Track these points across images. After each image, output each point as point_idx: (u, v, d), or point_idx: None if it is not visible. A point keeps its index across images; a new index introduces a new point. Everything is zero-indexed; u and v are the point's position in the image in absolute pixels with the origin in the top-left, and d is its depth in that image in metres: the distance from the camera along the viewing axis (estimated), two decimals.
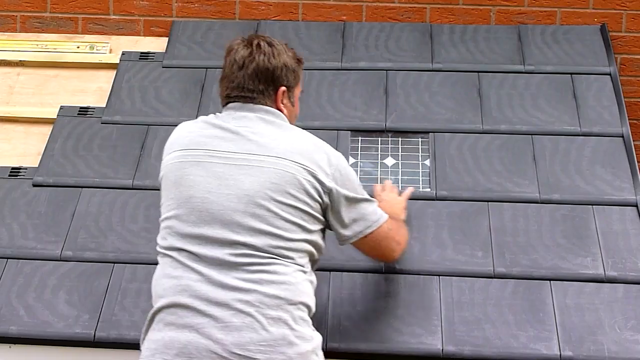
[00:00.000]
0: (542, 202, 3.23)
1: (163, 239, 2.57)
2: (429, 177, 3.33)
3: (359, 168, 3.37)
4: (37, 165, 3.42)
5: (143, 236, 3.16)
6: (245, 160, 2.55)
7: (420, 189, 3.29)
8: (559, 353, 2.81)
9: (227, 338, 2.40)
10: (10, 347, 2.92)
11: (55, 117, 3.60)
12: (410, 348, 2.84)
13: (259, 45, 2.65)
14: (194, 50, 3.83)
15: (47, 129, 3.57)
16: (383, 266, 3.05)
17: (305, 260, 2.57)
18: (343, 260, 3.07)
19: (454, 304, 2.95)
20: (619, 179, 3.28)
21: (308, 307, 2.54)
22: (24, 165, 3.46)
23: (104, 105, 3.63)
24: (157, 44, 3.93)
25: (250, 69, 2.63)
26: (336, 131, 3.49)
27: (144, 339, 2.55)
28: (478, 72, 3.69)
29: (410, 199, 3.23)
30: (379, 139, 3.48)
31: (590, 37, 3.78)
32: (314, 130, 3.44)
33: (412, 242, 3.12)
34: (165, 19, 4.00)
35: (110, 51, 3.93)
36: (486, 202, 3.24)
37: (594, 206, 3.21)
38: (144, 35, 4.01)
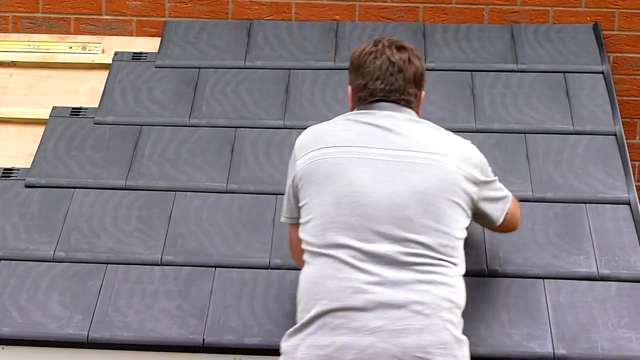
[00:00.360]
0: (535, 201, 3.23)
1: (317, 236, 2.49)
2: None
3: None
4: (29, 166, 3.41)
5: (136, 236, 3.15)
6: (406, 157, 2.53)
7: None
8: (552, 351, 2.81)
9: (408, 341, 2.36)
10: (3, 348, 2.91)
11: (47, 117, 3.59)
12: None
13: (411, 49, 2.68)
14: (187, 50, 3.82)
15: (39, 130, 3.56)
16: None
17: (462, 261, 2.57)
18: None
19: None
20: (612, 177, 3.29)
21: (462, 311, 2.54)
22: (16, 166, 3.45)
23: (97, 106, 3.63)
24: (149, 44, 3.93)
25: (409, 72, 2.63)
26: None
27: (297, 344, 2.44)
28: (471, 71, 3.69)
29: None
30: None
31: (583, 36, 3.78)
32: None
33: None
34: (158, 19, 4.00)
35: (103, 51, 3.92)
36: None
37: (587, 204, 3.21)
38: (136, 36, 4.00)
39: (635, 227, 3.14)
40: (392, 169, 2.51)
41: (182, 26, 3.93)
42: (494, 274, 3.02)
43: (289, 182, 2.66)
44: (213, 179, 3.33)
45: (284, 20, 3.94)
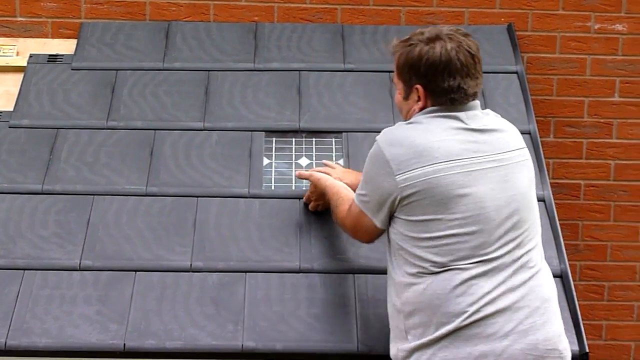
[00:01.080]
0: None
1: (444, 256, 2.52)
2: None
3: (273, 169, 3.38)
4: None
5: (54, 242, 3.10)
6: (508, 159, 2.60)
7: None
8: None
9: (537, 337, 2.50)
10: None
11: None
12: (327, 347, 2.86)
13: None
14: (104, 51, 3.77)
15: None
16: (299, 265, 3.06)
17: None
18: (258, 261, 3.07)
19: (369, 301, 2.97)
20: None
21: None
22: None
23: (12, 109, 3.55)
24: (65, 46, 3.87)
25: (481, 61, 2.64)
26: (250, 132, 3.49)
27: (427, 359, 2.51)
28: (389, 72, 3.71)
29: None
30: (293, 139, 3.49)
31: (498, 37, 3.86)
32: (227, 131, 3.48)
33: (326, 241, 3.14)
34: (74, 20, 3.94)
35: (17, 54, 3.85)
36: None
37: None
38: (52, 37, 3.93)
39: (550, 223, 3.21)
40: (503, 175, 2.58)
41: (99, 27, 3.88)
42: None
43: (382, 194, 2.59)
44: (132, 182, 3.30)
45: (202, 21, 3.93)
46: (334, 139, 3.48)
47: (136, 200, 3.25)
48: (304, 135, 3.50)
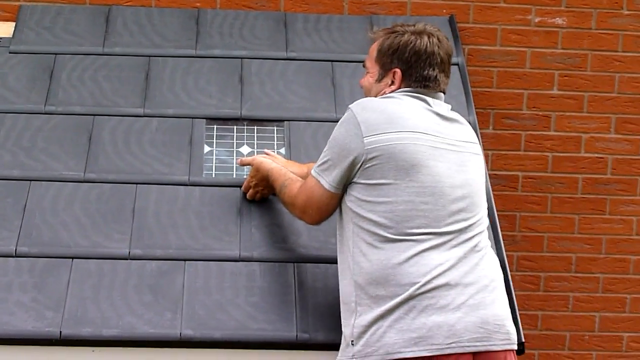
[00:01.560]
0: None
1: (398, 222, 2.60)
2: None
3: (214, 156, 3.36)
4: None
5: None
6: (466, 148, 2.74)
7: None
8: None
9: (487, 312, 2.59)
10: None
11: None
12: (266, 335, 2.86)
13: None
14: (43, 35, 3.71)
15: None
16: (239, 254, 3.05)
17: None
18: (198, 249, 3.06)
19: (309, 291, 2.98)
20: None
21: None
22: None
23: None
24: (3, 29, 3.78)
25: (449, 60, 2.82)
26: (191, 119, 3.46)
27: (383, 331, 2.56)
28: (332, 61, 3.73)
29: None
30: (235, 127, 3.47)
31: (439, 28, 3.88)
32: (168, 118, 3.45)
33: (267, 229, 3.14)
34: (12, 3, 3.86)
35: None
36: None
37: None
38: None
39: (488, 214, 3.24)
40: (459, 160, 2.71)
41: (38, 10, 3.80)
42: None
43: (345, 154, 2.67)
44: (70, 168, 3.26)
45: (143, 6, 3.88)
46: (275, 128, 3.48)
47: (74, 186, 3.21)
48: (245, 123, 3.48)
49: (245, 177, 3.27)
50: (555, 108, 4.10)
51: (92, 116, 3.43)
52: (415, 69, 2.77)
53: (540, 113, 4.09)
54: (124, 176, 3.25)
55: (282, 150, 3.39)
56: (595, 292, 4.18)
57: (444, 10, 3.98)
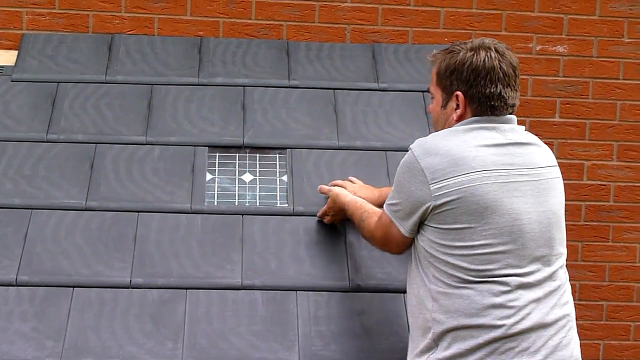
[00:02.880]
0: None
1: (479, 265, 2.52)
2: (287, 192, 3.34)
3: (216, 184, 3.35)
4: None
5: None
6: (541, 175, 2.61)
7: (278, 205, 3.30)
8: None
9: (565, 354, 2.54)
10: None
11: None
12: None
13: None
14: (45, 63, 3.72)
15: None
16: (241, 282, 3.04)
17: None
18: (199, 278, 3.04)
19: (311, 319, 2.96)
20: None
21: None
22: None
23: None
24: (6, 57, 3.80)
25: (519, 78, 2.66)
26: (193, 147, 3.46)
27: None
28: (334, 89, 3.73)
29: (268, 215, 3.25)
30: (237, 154, 3.47)
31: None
32: (170, 145, 3.45)
33: (269, 257, 3.13)
34: (15, 31, 3.88)
35: None
36: None
37: None
38: None
39: None
40: (536, 190, 2.59)
41: (41, 39, 3.82)
42: (356, 289, 3.06)
43: (414, 203, 2.57)
44: (72, 196, 3.25)
45: (146, 35, 3.90)
46: (278, 155, 3.47)
47: (75, 214, 3.20)
48: (247, 150, 3.48)
49: (247, 204, 3.26)
50: (558, 135, 4.10)
51: (94, 144, 3.43)
52: (476, 88, 2.59)
53: (543, 140, 4.08)
54: (125, 204, 3.24)
55: (285, 178, 3.38)
56: (599, 319, 4.17)
57: (446, 39, 3.99)
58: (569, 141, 4.10)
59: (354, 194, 3.10)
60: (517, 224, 2.54)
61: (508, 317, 2.50)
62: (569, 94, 4.09)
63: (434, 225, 2.57)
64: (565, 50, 4.07)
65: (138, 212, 3.22)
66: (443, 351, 2.53)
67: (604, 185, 4.13)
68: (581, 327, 4.11)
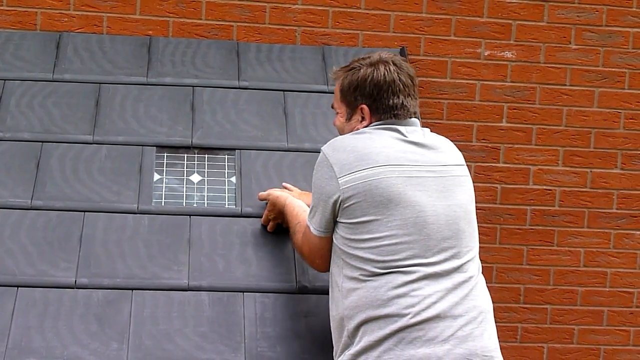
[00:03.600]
0: None
1: (386, 256, 2.58)
2: (235, 194, 3.34)
3: (164, 184, 3.33)
4: None
5: None
6: (447, 172, 2.69)
7: (226, 206, 3.30)
8: None
9: (476, 344, 2.56)
10: None
11: None
12: None
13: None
14: None
15: None
16: (187, 283, 3.03)
17: None
18: (146, 278, 3.02)
19: (257, 320, 2.96)
20: None
21: None
22: None
23: None
24: None
25: (417, 87, 2.81)
26: (141, 147, 3.44)
27: None
28: (284, 90, 3.74)
29: (216, 216, 3.24)
30: (185, 155, 3.45)
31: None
32: (117, 145, 3.42)
33: (217, 258, 3.12)
34: None
35: None
36: None
37: None
38: None
39: None
40: (441, 186, 2.67)
41: None
42: (303, 291, 3.06)
43: (324, 198, 2.67)
44: (17, 195, 3.21)
45: (95, 33, 3.86)
46: (226, 156, 3.47)
47: (20, 213, 3.16)
48: (196, 151, 3.47)
49: (195, 205, 3.25)
50: (504, 140, 4.15)
51: (41, 143, 3.39)
52: (380, 101, 2.74)
53: (490, 145, 4.14)
54: (71, 204, 3.21)
55: (233, 179, 3.38)
56: (544, 323, 4.22)
57: (396, 43, 4.01)
58: (515, 146, 4.15)
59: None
60: (422, 215, 2.62)
61: (412, 305, 2.55)
62: (516, 99, 4.14)
63: (344, 221, 2.65)
64: (513, 56, 4.12)
65: (84, 211, 3.19)
66: (355, 346, 2.58)
67: (550, 190, 4.18)
68: (525, 330, 4.18)
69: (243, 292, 3.05)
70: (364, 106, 2.76)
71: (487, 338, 2.62)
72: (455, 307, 2.58)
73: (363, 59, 2.81)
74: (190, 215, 3.24)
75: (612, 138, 4.21)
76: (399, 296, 2.56)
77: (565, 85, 4.17)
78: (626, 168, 4.22)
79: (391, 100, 2.74)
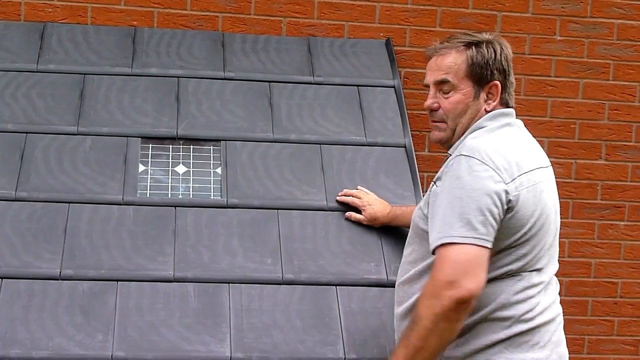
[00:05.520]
0: (329, 210, 3.31)
1: (539, 265, 2.52)
2: (221, 185, 3.33)
3: (149, 175, 3.33)
4: None
5: None
6: (550, 174, 2.61)
7: (212, 197, 3.29)
8: (344, 356, 2.89)
9: (563, 349, 2.58)
10: None
11: None
12: (199, 356, 2.83)
13: None
14: None
15: None
16: (173, 274, 3.02)
17: None
18: (131, 270, 3.02)
19: (243, 311, 2.96)
20: (401, 188, 3.42)
21: None
22: None
23: None
24: None
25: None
26: (126, 138, 3.42)
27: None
28: (269, 81, 3.73)
29: (201, 207, 3.24)
30: (170, 146, 3.45)
31: (376, 51, 3.92)
32: (102, 136, 3.41)
33: (202, 249, 3.12)
34: None
35: None
36: (276, 210, 3.28)
37: None
38: None
39: None
40: (552, 189, 2.59)
41: None
42: (289, 282, 3.07)
43: (491, 204, 2.40)
44: (1, 186, 3.19)
45: (79, 24, 3.84)
46: (212, 147, 3.46)
47: (4, 205, 3.15)
48: (181, 142, 3.46)
49: (180, 196, 3.25)
50: None
51: (25, 134, 3.38)
52: (508, 79, 2.59)
53: None
54: (56, 195, 3.20)
55: (219, 170, 3.37)
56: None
57: (381, 34, 4.01)
58: None
59: (368, 204, 3.19)
60: (548, 221, 2.54)
61: (528, 311, 2.50)
62: None
63: (514, 233, 2.48)
64: None
65: (69, 203, 3.18)
66: (462, 347, 2.49)
67: None
68: None
69: (229, 283, 3.05)
70: (498, 83, 2.57)
71: (565, 344, 2.62)
72: (552, 313, 2.56)
73: (474, 34, 2.62)
74: (175, 207, 3.23)
75: (597, 129, 4.22)
76: (517, 302, 2.49)
77: (550, 76, 4.18)
78: (610, 159, 4.24)
79: (512, 77, 2.61)
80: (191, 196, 3.28)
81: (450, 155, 2.59)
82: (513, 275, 2.51)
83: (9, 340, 2.78)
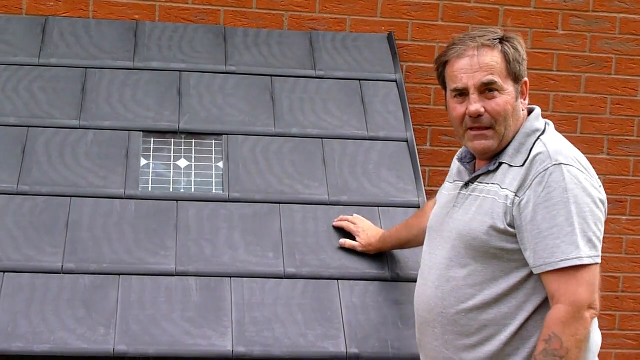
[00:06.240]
0: (331, 204, 3.31)
1: None
2: (222, 179, 3.33)
3: (151, 170, 3.33)
4: None
5: None
6: None
7: (213, 191, 3.29)
8: (345, 350, 2.89)
9: None
10: None
11: None
12: (201, 350, 2.83)
13: None
14: None
15: None
16: (175, 268, 3.03)
17: None
18: (133, 264, 3.02)
19: (245, 305, 2.97)
20: (403, 182, 3.42)
21: None
22: None
23: None
24: None
25: None
26: (127, 132, 3.43)
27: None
28: (271, 75, 3.73)
29: (203, 201, 3.24)
30: (172, 140, 3.45)
31: (378, 45, 3.92)
32: (104, 130, 3.41)
33: (204, 243, 3.12)
34: None
35: None
36: (278, 204, 3.28)
37: (379, 208, 3.32)
38: None
39: None
40: None
41: None
42: (290, 276, 3.07)
43: (601, 214, 2.34)
44: (3, 180, 3.20)
45: (81, 17, 3.84)
46: (214, 141, 3.46)
47: (6, 199, 3.15)
48: (183, 136, 3.46)
49: (182, 190, 3.25)
50: None
51: (27, 128, 3.38)
52: (527, 75, 2.48)
53: None
54: (58, 189, 3.20)
55: (220, 164, 3.37)
56: None
57: (383, 28, 4.01)
58: None
59: (362, 231, 3.11)
60: None
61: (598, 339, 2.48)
62: None
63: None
64: None
65: (71, 197, 3.18)
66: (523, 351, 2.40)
67: None
68: None
69: (230, 277, 3.05)
70: (527, 80, 2.46)
71: None
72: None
73: (490, 31, 2.46)
74: (177, 201, 3.23)
75: (599, 123, 4.22)
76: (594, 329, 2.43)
77: (552, 70, 4.17)
78: (612, 153, 4.24)
79: None
80: (193, 190, 3.29)
81: (494, 162, 2.44)
82: None
83: (11, 334, 2.78)
